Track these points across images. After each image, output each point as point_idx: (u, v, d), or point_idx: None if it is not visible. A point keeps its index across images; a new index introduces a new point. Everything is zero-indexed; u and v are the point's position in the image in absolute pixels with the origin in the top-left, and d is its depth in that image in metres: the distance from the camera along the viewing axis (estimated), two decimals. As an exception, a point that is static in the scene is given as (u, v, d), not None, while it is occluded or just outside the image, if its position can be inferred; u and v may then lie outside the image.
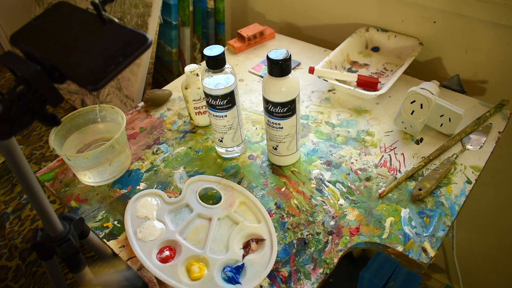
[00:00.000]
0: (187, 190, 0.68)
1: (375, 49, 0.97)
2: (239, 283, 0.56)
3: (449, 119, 0.72)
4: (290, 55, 0.59)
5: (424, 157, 0.71)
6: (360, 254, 1.44)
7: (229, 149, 0.74)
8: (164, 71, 1.25)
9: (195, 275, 0.57)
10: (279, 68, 0.59)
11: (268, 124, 0.67)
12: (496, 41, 0.81)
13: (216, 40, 1.25)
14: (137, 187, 0.71)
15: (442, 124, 0.74)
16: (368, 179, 0.69)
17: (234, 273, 0.57)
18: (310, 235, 0.62)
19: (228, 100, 0.66)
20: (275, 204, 0.67)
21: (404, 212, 0.63)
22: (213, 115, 0.69)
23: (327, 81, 0.85)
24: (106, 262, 0.72)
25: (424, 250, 0.58)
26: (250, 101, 0.88)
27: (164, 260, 0.59)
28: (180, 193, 0.68)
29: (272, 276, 0.57)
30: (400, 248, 0.59)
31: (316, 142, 0.77)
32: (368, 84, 0.85)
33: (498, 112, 0.78)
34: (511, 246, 1.11)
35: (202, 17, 1.17)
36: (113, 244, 0.63)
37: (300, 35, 1.15)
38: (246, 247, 0.60)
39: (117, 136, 0.67)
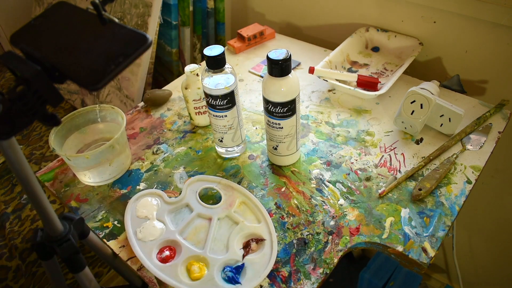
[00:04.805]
0: (187, 190, 0.68)
1: (375, 49, 0.97)
2: (239, 283, 0.56)
3: (449, 119, 0.72)
4: (290, 55, 0.59)
5: (424, 157, 0.71)
6: (360, 254, 1.44)
7: (229, 149, 0.74)
8: (164, 71, 1.25)
9: (195, 275, 0.57)
10: (279, 68, 0.59)
11: (268, 124, 0.67)
12: (496, 41, 0.81)
13: (216, 40, 1.25)
14: (137, 187, 0.71)
15: (442, 124, 0.74)
16: (368, 179, 0.69)
17: (234, 273, 0.57)
18: (310, 235, 0.62)
19: (228, 100, 0.66)
20: (275, 204, 0.67)
21: (404, 212, 0.63)
22: (213, 115, 0.69)
23: (327, 81, 0.85)
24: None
25: (424, 250, 0.58)
26: (250, 101, 0.88)
27: (164, 260, 0.59)
28: (180, 193, 0.68)
29: (272, 276, 0.57)
30: (400, 248, 0.59)
31: (316, 142, 0.77)
32: (368, 84, 0.85)
33: (498, 112, 0.78)
34: (511, 246, 1.11)
35: (202, 17, 1.17)
36: (113, 244, 0.63)
37: (300, 35, 1.15)
38: (246, 247, 0.60)
39: (117, 136, 0.67)
